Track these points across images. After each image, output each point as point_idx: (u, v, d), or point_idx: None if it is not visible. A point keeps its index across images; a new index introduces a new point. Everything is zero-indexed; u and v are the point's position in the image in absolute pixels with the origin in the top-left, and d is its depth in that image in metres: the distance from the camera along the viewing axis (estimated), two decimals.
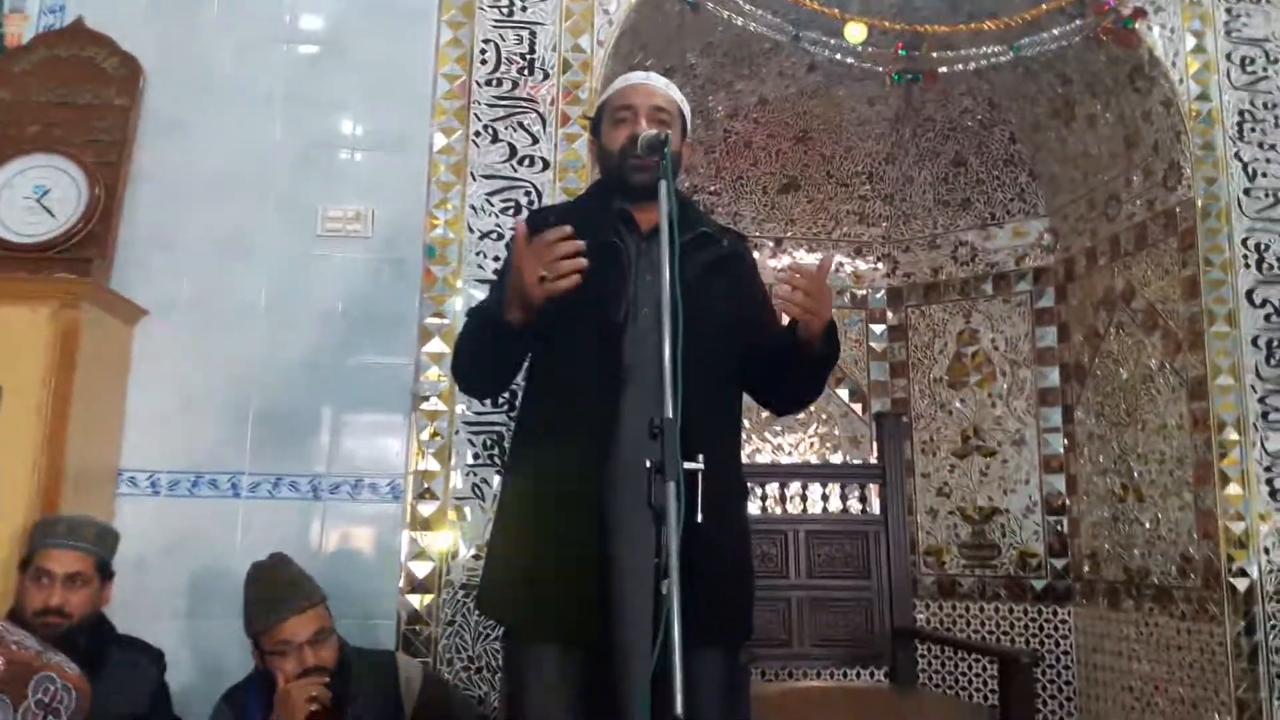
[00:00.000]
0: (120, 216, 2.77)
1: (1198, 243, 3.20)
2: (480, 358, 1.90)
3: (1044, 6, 3.29)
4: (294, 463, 2.77)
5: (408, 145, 2.94)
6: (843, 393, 4.28)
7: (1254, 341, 3.13)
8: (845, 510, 3.04)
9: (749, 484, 3.11)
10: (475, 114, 2.98)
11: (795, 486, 3.20)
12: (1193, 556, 3.15)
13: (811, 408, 4.23)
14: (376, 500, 2.77)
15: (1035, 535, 3.90)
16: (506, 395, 2.67)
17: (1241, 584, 2.99)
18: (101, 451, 2.66)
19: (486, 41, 3.02)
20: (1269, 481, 3.06)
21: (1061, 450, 3.89)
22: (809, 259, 4.36)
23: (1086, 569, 3.72)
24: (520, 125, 2.98)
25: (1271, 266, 3.19)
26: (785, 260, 4.35)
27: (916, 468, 4.13)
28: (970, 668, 3.90)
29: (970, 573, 4.00)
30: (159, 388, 2.76)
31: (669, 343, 1.59)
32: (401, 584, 2.70)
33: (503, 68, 3.01)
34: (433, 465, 2.76)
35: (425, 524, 2.73)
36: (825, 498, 3.10)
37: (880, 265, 4.38)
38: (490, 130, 2.97)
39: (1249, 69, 3.31)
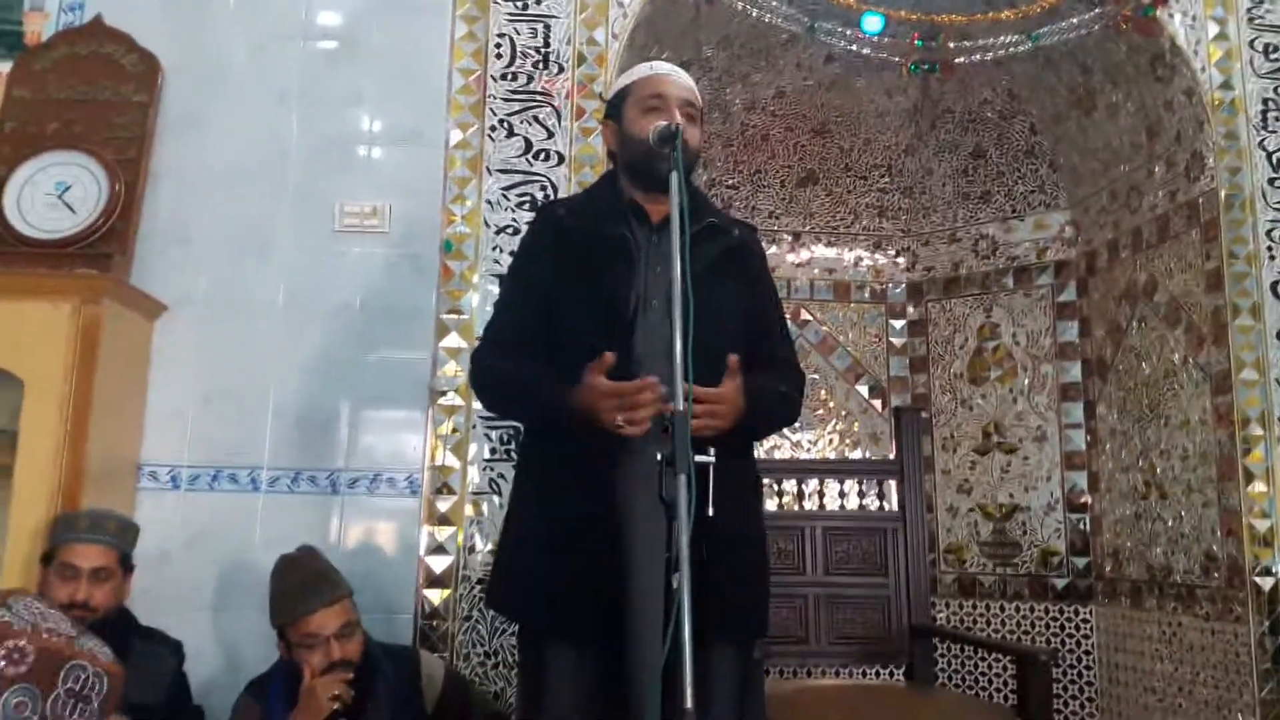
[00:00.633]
0: (140, 212, 2.79)
1: (1221, 234, 3.16)
2: (518, 409, 1.99)
3: None
4: (313, 457, 2.78)
5: (424, 140, 2.95)
6: (862, 389, 4.25)
7: (1279, 335, 3.09)
8: (863, 507, 3.02)
9: (767, 480, 3.12)
10: (490, 108, 2.97)
11: (813, 483, 3.18)
12: (1216, 555, 3.11)
13: (830, 403, 4.22)
14: (394, 495, 2.78)
15: (1057, 533, 3.87)
16: None
17: (1266, 583, 2.95)
18: (122, 446, 2.68)
19: (501, 35, 3.02)
20: None
21: (1083, 446, 3.86)
22: (828, 253, 4.34)
23: (1109, 567, 3.69)
24: (535, 119, 2.98)
25: None
26: (804, 255, 4.33)
27: (936, 464, 4.10)
28: (990, 667, 3.87)
29: (991, 571, 3.97)
30: (179, 382, 2.78)
31: (679, 336, 1.59)
32: (419, 579, 2.71)
33: (518, 62, 3.01)
34: (450, 460, 2.77)
35: (443, 519, 2.74)
36: (843, 494, 3.08)
37: (900, 259, 4.35)
38: (506, 125, 2.97)
39: (1273, 57, 3.26)
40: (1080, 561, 3.80)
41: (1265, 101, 3.22)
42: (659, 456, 1.58)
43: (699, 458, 1.54)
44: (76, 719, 1.79)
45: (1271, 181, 3.17)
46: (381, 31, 3.01)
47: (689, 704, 1.40)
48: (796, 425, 4.14)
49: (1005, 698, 3.78)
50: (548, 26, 3.03)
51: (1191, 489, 3.25)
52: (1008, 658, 3.76)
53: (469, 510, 2.75)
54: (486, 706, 2.41)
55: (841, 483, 3.12)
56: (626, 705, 1.70)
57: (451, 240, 2.89)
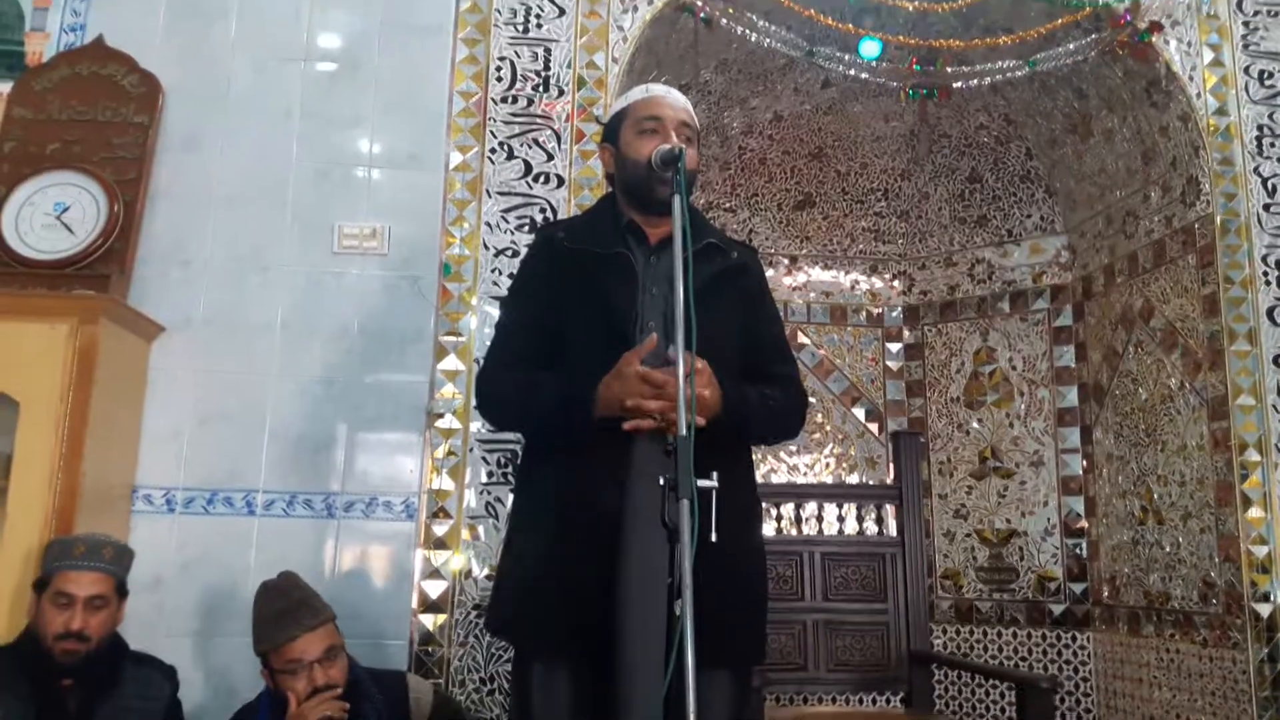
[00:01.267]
0: (139, 233, 2.78)
1: (1217, 260, 3.17)
2: (531, 417, 1.88)
3: (1059, 21, 3.28)
4: (309, 480, 2.76)
5: (424, 162, 2.95)
6: (859, 412, 4.25)
7: (1275, 360, 3.10)
8: (861, 532, 3.01)
9: (765, 504, 3.10)
10: (491, 131, 2.98)
11: (811, 507, 3.17)
12: (1214, 581, 3.10)
13: (827, 427, 4.21)
14: (390, 519, 2.76)
15: (1054, 558, 3.86)
16: None
17: (1265, 609, 2.94)
18: (117, 468, 2.65)
19: (502, 59, 3.03)
20: None
21: (1080, 471, 3.86)
22: (824, 276, 4.35)
23: (1106, 593, 3.68)
24: (535, 142, 2.99)
25: None
26: (801, 278, 4.34)
27: (933, 489, 4.09)
28: (988, 694, 3.85)
29: (988, 597, 3.95)
30: (175, 404, 2.76)
31: (681, 359, 1.58)
32: (414, 604, 2.69)
33: (518, 85, 3.02)
34: (447, 483, 2.75)
35: (439, 543, 2.72)
36: (841, 519, 3.07)
37: (896, 282, 4.36)
38: (506, 147, 2.97)
39: (1267, 83, 3.29)
40: (1077, 587, 3.79)
41: (1260, 127, 3.25)
42: (661, 481, 1.57)
43: (702, 482, 1.53)
44: None
45: (1267, 207, 3.19)
46: (382, 54, 3.02)
47: None
48: (793, 449, 4.14)
49: None
50: (548, 50, 3.05)
51: (1189, 514, 3.24)
52: (1005, 684, 3.74)
53: (465, 534, 2.73)
54: None
55: (840, 507, 3.11)
56: None
57: (450, 262, 2.88)
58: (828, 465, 4.20)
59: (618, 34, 3.08)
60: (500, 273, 2.88)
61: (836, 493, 3.33)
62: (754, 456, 1.99)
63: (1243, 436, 3.05)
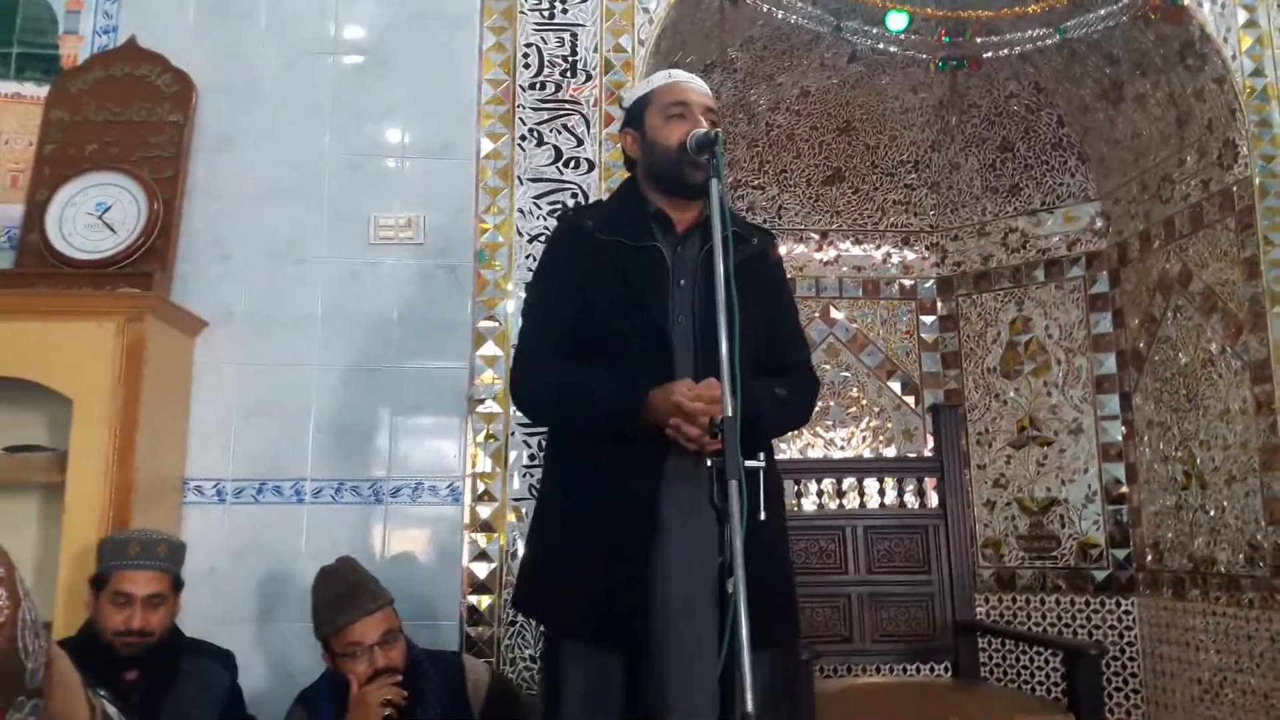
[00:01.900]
0: (179, 230, 2.83)
1: (1256, 222, 3.13)
2: (573, 417, 1.88)
3: None
4: (355, 467, 2.80)
5: (455, 151, 2.97)
6: (894, 385, 4.24)
7: None
8: (902, 504, 3.02)
9: (805, 479, 3.13)
10: (520, 118, 2.99)
11: (849, 481, 3.18)
12: (1260, 544, 3.08)
13: (863, 401, 4.21)
14: (436, 503, 2.80)
15: (1095, 525, 3.84)
16: None
17: None
18: (169, 462, 2.71)
19: (529, 45, 3.04)
20: None
21: (1120, 438, 3.83)
22: (856, 250, 4.34)
23: (1149, 559, 3.66)
24: (565, 128, 3.00)
25: None
26: (831, 253, 4.32)
27: (972, 459, 4.08)
28: (1032, 660, 3.85)
29: (1029, 565, 3.95)
30: (221, 397, 2.81)
31: (725, 341, 1.60)
32: (463, 585, 2.73)
33: (545, 71, 3.03)
34: (490, 467, 2.79)
35: (484, 525, 2.76)
36: (882, 492, 3.08)
37: (929, 254, 4.34)
38: (535, 134, 2.99)
39: None
40: (1120, 553, 3.78)
41: None
42: (709, 463, 1.60)
43: (749, 463, 1.55)
44: None
45: None
46: (410, 45, 3.04)
47: (750, 707, 1.41)
48: (829, 423, 4.14)
49: (1048, 691, 3.76)
50: (574, 35, 3.05)
51: (1233, 478, 3.22)
52: (1051, 651, 3.74)
53: (510, 516, 2.77)
54: (534, 711, 2.42)
55: (881, 481, 3.12)
56: (654, 711, 1.70)
57: (485, 250, 2.91)
58: (864, 439, 4.20)
59: (643, 16, 3.08)
60: (534, 258, 2.90)
61: (877, 466, 3.32)
62: (787, 434, 2.02)
63: None
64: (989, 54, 3.48)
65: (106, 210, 2.73)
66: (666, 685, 1.69)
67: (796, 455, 4.04)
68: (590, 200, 2.92)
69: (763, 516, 1.58)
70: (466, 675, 2.29)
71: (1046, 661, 3.80)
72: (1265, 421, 3.08)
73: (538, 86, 3.02)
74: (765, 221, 4.19)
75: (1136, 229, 3.77)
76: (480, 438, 2.80)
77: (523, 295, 2.86)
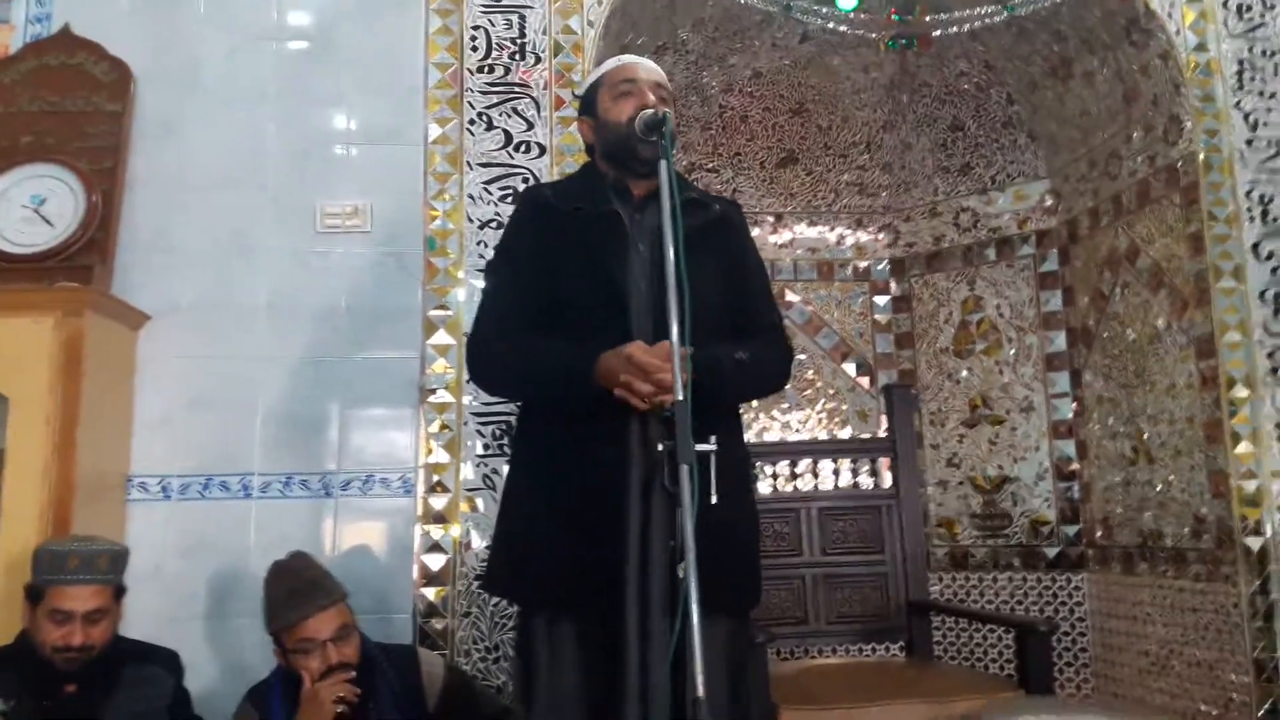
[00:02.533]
0: (119, 222, 2.77)
1: (1201, 198, 3.17)
2: (530, 386, 1.89)
3: None
4: (304, 461, 2.77)
5: (402, 137, 2.93)
6: (849, 367, 4.26)
7: (1261, 296, 3.11)
8: (856, 485, 3.04)
9: (760, 462, 3.13)
10: (469, 102, 2.96)
11: (805, 463, 3.19)
12: (1205, 517, 3.14)
13: (818, 383, 4.23)
14: (388, 495, 2.77)
15: (1047, 502, 3.90)
16: None
17: (1255, 543, 2.98)
18: (111, 459, 2.66)
19: (476, 28, 3.00)
20: None
21: (1070, 415, 3.88)
22: (810, 232, 4.34)
23: (1099, 534, 3.72)
24: (515, 111, 2.96)
25: (1276, 219, 3.16)
26: (786, 236, 4.33)
27: (925, 439, 4.12)
28: (985, 638, 3.90)
29: (983, 543, 4.00)
30: (165, 392, 2.76)
31: (675, 324, 1.60)
32: (416, 577, 2.71)
33: (494, 54, 2.99)
34: (443, 458, 2.77)
35: (438, 517, 2.74)
36: (836, 473, 3.10)
37: (882, 235, 4.36)
38: (485, 118, 2.95)
39: (1246, 16, 3.27)
40: (1071, 530, 3.84)
41: (1240, 62, 3.24)
42: (660, 447, 1.60)
43: (701, 446, 1.56)
44: None
45: (1249, 143, 3.19)
46: (354, 29, 2.99)
47: (700, 692, 1.42)
48: (785, 405, 4.16)
49: (1001, 668, 3.82)
50: (522, 17, 3.01)
51: (1179, 453, 3.28)
52: (1003, 629, 3.79)
53: (464, 507, 2.75)
54: (491, 702, 2.42)
55: (835, 462, 3.14)
56: (616, 684, 1.71)
57: (435, 237, 2.87)
58: (820, 420, 4.22)
59: None
60: (485, 245, 2.87)
61: (831, 448, 3.35)
62: (745, 415, 2.02)
63: (1230, 373, 3.07)
64: (938, 32, 3.49)
65: (42, 203, 2.66)
66: (637, 662, 1.69)
67: (753, 439, 4.04)
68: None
69: (714, 499, 1.59)
70: (422, 669, 2.27)
71: (999, 639, 3.86)
72: (1210, 396, 3.13)
73: (486, 70, 2.98)
74: None
75: (1085, 206, 3.80)
76: (433, 428, 2.78)
77: (475, 283, 2.84)
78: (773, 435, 4.16)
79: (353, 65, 2.97)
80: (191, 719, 2.28)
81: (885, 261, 4.34)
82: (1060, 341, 3.93)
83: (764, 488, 3.08)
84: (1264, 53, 3.25)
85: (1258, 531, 2.99)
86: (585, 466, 1.76)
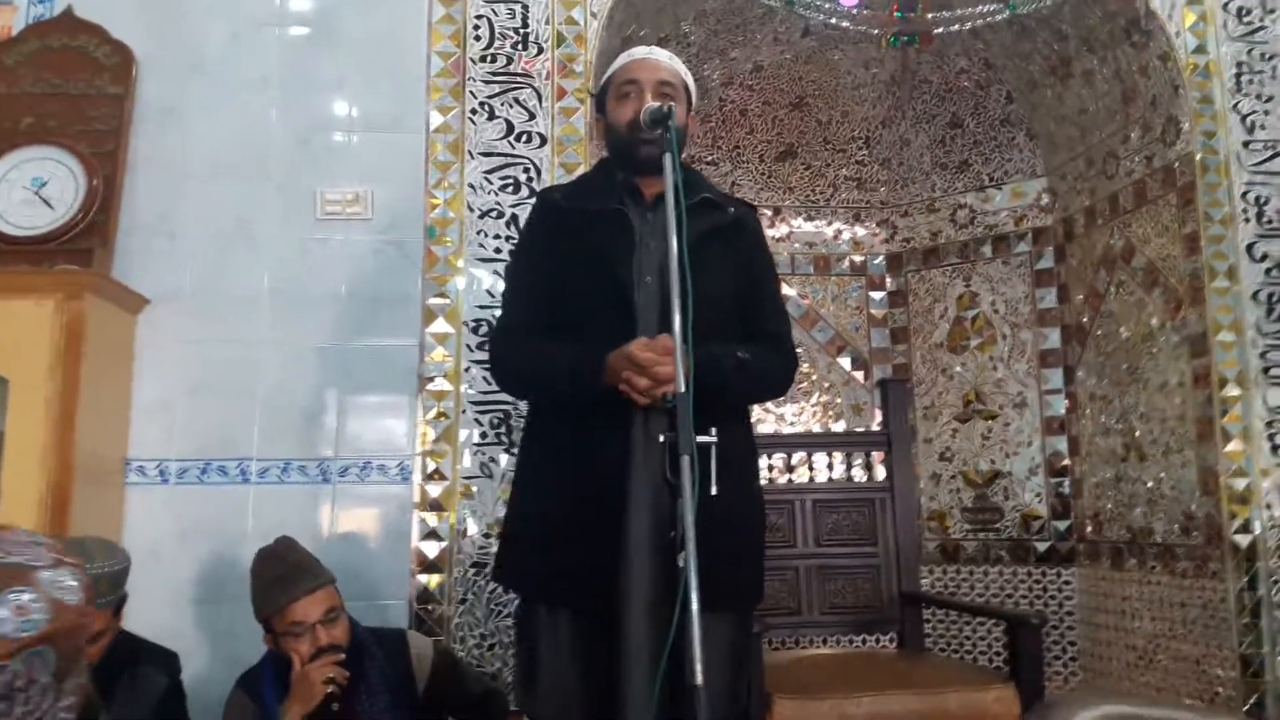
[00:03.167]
0: (120, 206, 2.77)
1: (1197, 198, 3.19)
2: (543, 389, 1.94)
3: None
4: (302, 447, 2.78)
5: (404, 125, 2.94)
6: (844, 361, 4.28)
7: (1254, 296, 3.14)
8: (850, 478, 3.06)
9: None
10: (471, 91, 2.96)
11: (800, 456, 3.21)
12: (1195, 514, 3.17)
13: (814, 376, 4.25)
14: (386, 482, 2.79)
15: (1038, 497, 3.93)
16: None
17: (1244, 540, 3.02)
18: (110, 442, 2.67)
19: (479, 17, 3.00)
20: (1270, 437, 3.07)
21: (1063, 411, 3.91)
22: (808, 227, 4.36)
23: (1089, 529, 3.75)
24: (516, 101, 2.97)
25: (1271, 220, 3.19)
26: (784, 229, 4.34)
27: (919, 433, 4.14)
28: (975, 631, 3.94)
29: (974, 536, 4.03)
30: (164, 376, 2.77)
31: (678, 315, 1.62)
32: (413, 564, 2.72)
33: (496, 43, 2.99)
34: (441, 445, 2.78)
35: (434, 504, 2.75)
36: (830, 466, 3.12)
37: (879, 230, 4.38)
38: (486, 107, 2.96)
39: (1245, 19, 3.29)
40: (1061, 525, 3.87)
41: (1239, 65, 3.26)
42: (661, 438, 1.62)
43: (701, 438, 1.57)
44: (20, 709, 1.21)
45: (1246, 144, 3.21)
46: (356, 16, 2.99)
47: (698, 680, 1.44)
48: (780, 399, 4.17)
49: (990, 660, 3.85)
50: (526, 7, 3.02)
51: (1170, 450, 3.31)
52: (994, 621, 3.82)
53: (461, 494, 2.76)
54: (479, 681, 2.44)
55: (830, 455, 3.16)
56: (613, 676, 1.73)
57: (435, 225, 2.88)
58: (814, 414, 4.24)
59: None
60: (485, 234, 2.88)
61: (826, 441, 3.37)
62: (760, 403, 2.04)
63: (1223, 372, 3.10)
64: (940, 30, 3.50)
65: (43, 186, 2.66)
66: (635, 656, 1.71)
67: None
68: (541, 174, 2.91)
69: (714, 491, 1.60)
70: (411, 651, 2.29)
71: (989, 631, 3.89)
72: (1202, 395, 3.16)
73: (489, 59, 2.99)
74: None
75: (1082, 205, 3.82)
76: (430, 416, 2.79)
77: (474, 272, 2.86)
78: (768, 428, 4.18)
79: (355, 52, 2.97)
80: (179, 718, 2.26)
81: (882, 256, 4.36)
82: (1054, 338, 3.96)
83: (761, 480, 3.09)
84: (1263, 56, 3.27)
85: (1246, 529, 3.02)
86: (589, 460, 1.79)
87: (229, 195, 2.86)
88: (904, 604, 2.90)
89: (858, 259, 4.36)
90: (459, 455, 2.78)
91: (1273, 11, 3.31)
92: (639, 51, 2.02)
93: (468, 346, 2.82)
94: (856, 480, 3.04)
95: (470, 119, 2.94)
